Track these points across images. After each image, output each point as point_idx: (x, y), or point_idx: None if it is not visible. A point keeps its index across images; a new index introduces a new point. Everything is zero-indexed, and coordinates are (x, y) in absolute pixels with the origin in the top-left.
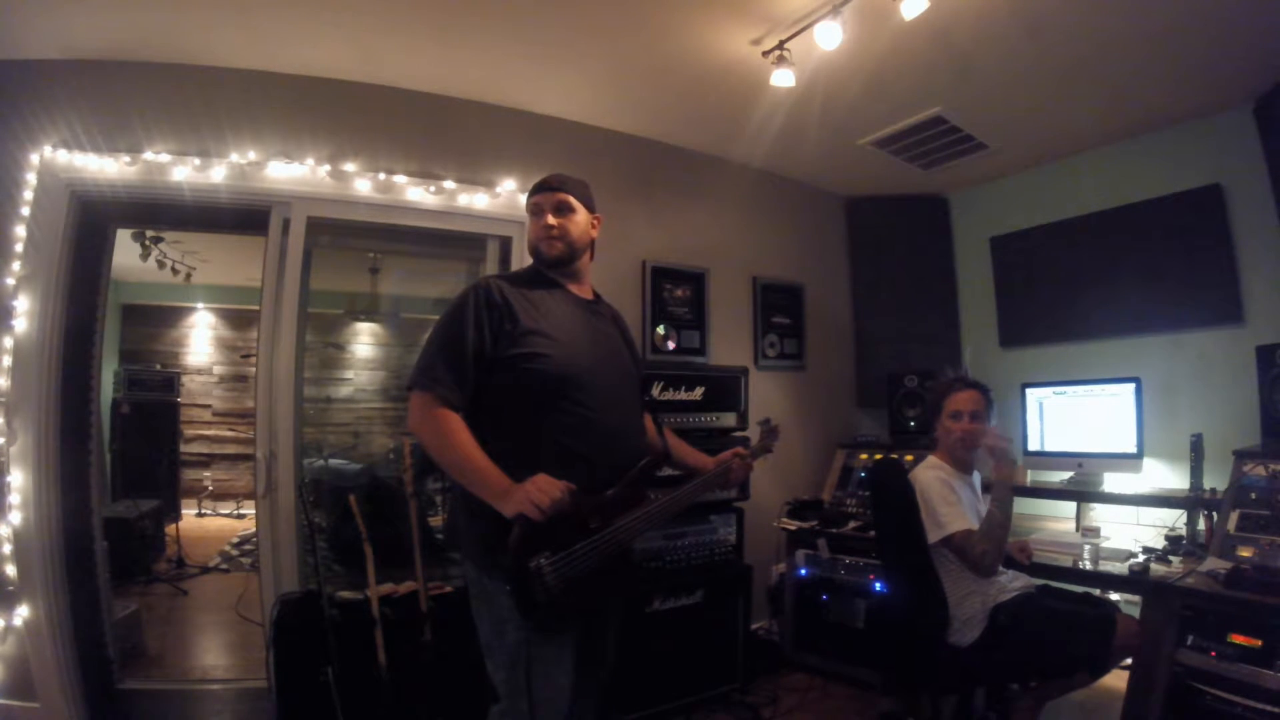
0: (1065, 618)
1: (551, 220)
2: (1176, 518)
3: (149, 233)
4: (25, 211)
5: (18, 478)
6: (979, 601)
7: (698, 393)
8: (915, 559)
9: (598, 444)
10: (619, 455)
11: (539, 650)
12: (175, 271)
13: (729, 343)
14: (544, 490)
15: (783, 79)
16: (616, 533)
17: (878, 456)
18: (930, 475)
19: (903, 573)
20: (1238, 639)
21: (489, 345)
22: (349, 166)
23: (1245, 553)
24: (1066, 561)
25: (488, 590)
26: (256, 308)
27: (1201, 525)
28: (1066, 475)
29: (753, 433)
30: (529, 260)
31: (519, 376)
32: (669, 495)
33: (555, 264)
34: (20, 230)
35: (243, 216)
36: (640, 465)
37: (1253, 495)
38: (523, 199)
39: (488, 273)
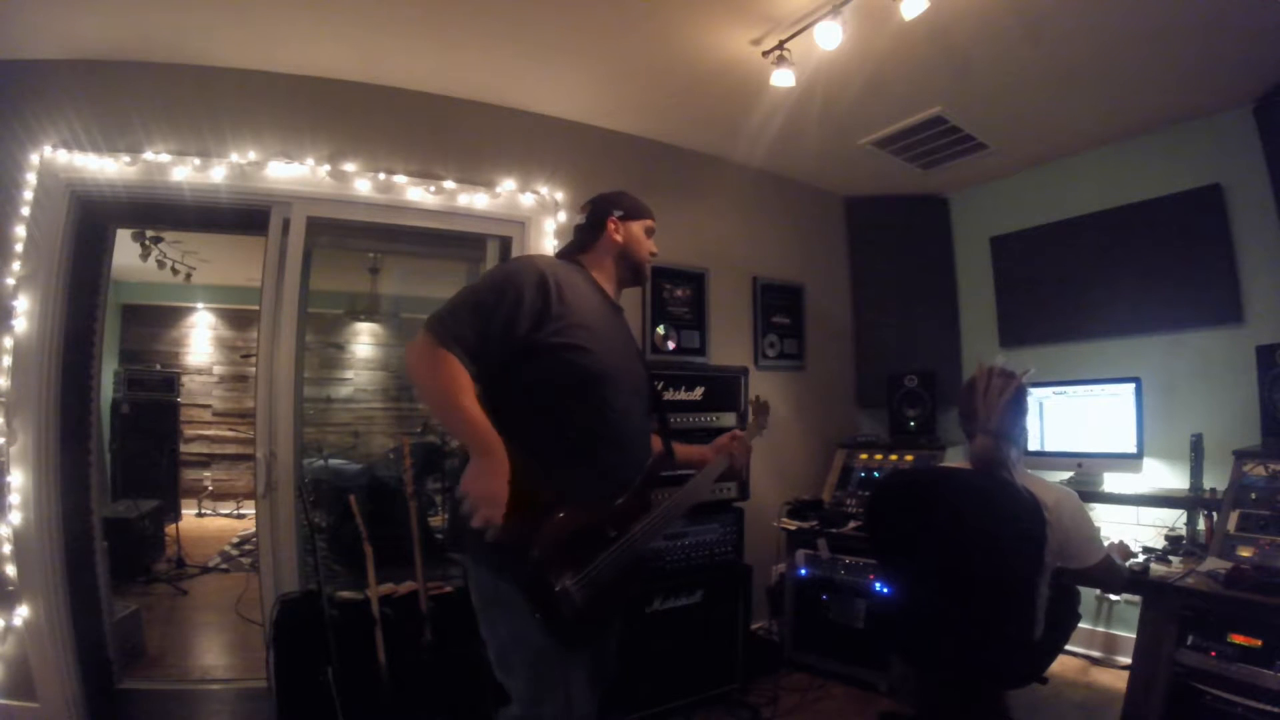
0: (1062, 593)
1: (656, 250)
2: (1176, 518)
3: (149, 233)
4: (25, 211)
5: (18, 478)
6: (1045, 600)
7: (698, 393)
8: (1014, 573)
9: (624, 444)
10: (639, 456)
11: (560, 658)
12: (175, 271)
13: (729, 343)
14: (483, 507)
15: (783, 79)
16: (634, 539)
17: (876, 457)
18: (1076, 497)
19: (986, 586)
20: (1238, 639)
21: (525, 328)
22: (349, 166)
23: (1245, 553)
24: None
25: (503, 596)
26: (256, 308)
27: (1201, 525)
28: (1067, 475)
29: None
30: None
31: (560, 366)
32: (678, 492)
33: (634, 285)
34: (20, 230)
35: (243, 216)
36: (649, 467)
37: (1253, 495)
38: (523, 199)
39: None
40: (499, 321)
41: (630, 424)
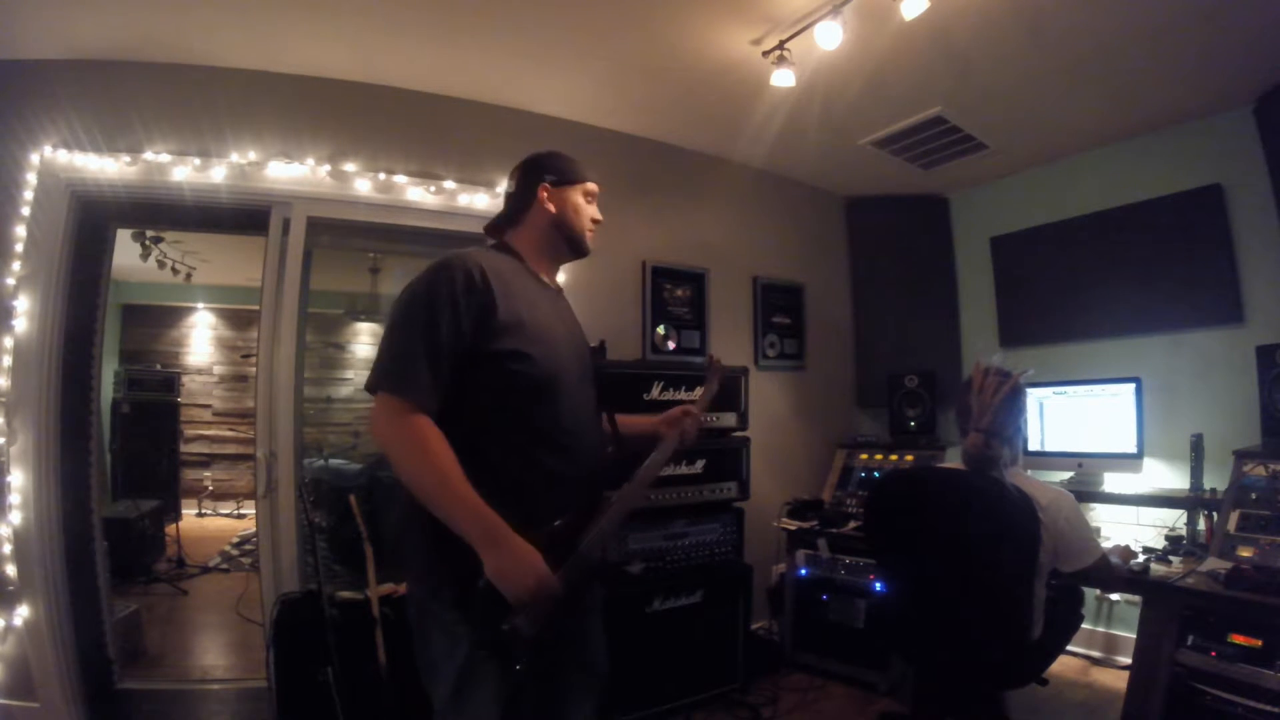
0: (1064, 594)
1: (599, 216)
2: (1176, 518)
3: (149, 233)
4: (25, 211)
5: (18, 478)
6: (1043, 600)
7: (698, 393)
8: (1009, 572)
9: (576, 444)
10: (592, 448)
11: (488, 679)
12: (175, 271)
13: (729, 343)
14: (537, 592)
15: (783, 79)
16: (587, 549)
17: (877, 456)
18: (1071, 499)
19: (982, 586)
20: (1238, 639)
21: (468, 337)
22: (349, 166)
23: (1245, 553)
24: None
25: (438, 616)
26: (256, 308)
27: (1201, 525)
28: (1067, 475)
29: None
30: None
31: (503, 376)
32: (626, 489)
33: (573, 258)
34: (20, 230)
35: (243, 216)
36: (599, 469)
37: (1253, 495)
38: None
39: None
40: (446, 345)
41: (581, 420)
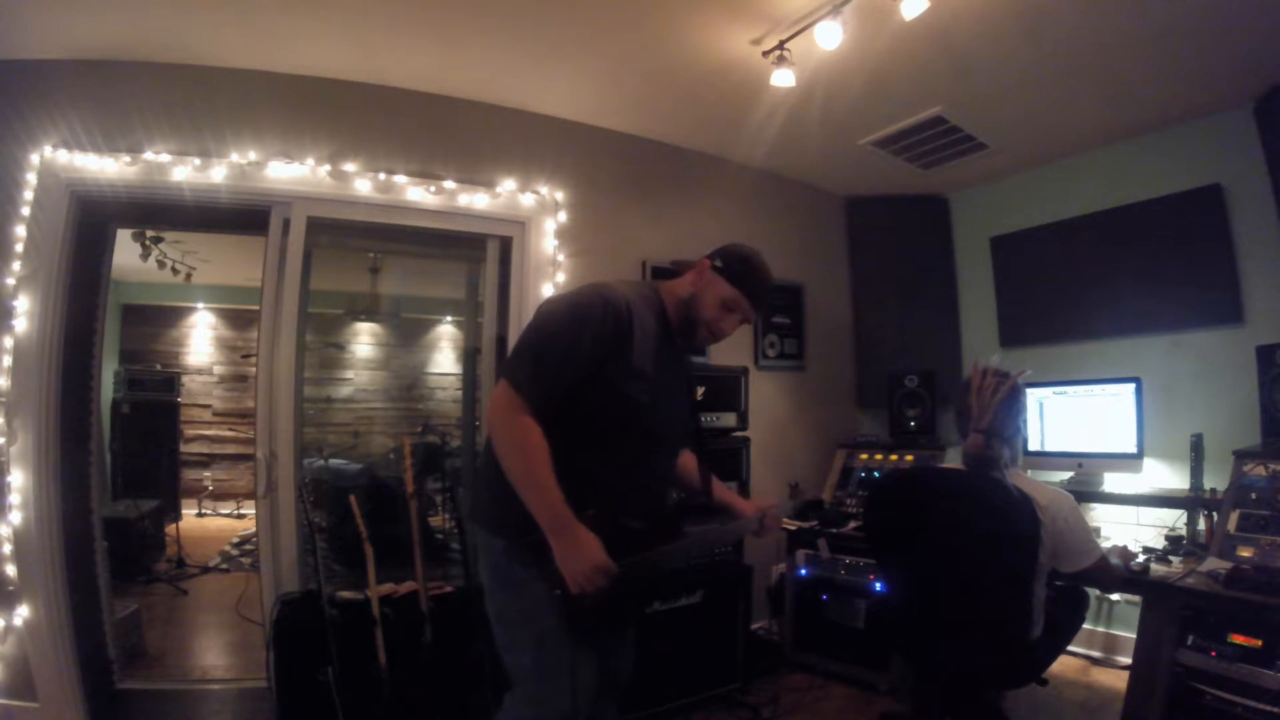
0: (1066, 595)
1: (727, 332)
2: (1176, 518)
3: (149, 233)
4: (25, 211)
5: (18, 478)
6: (1042, 600)
7: (698, 393)
8: (1009, 572)
9: (644, 492)
10: (655, 502)
11: (567, 641)
12: (175, 271)
13: (729, 343)
14: (597, 578)
15: (783, 79)
16: (656, 559)
17: (877, 456)
18: (1070, 499)
19: (981, 586)
20: (1238, 639)
21: (597, 365)
22: (349, 166)
23: (1245, 553)
24: None
25: (517, 575)
26: (256, 308)
27: (1201, 525)
28: (1067, 475)
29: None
30: (528, 260)
31: (612, 407)
32: (707, 532)
33: (688, 341)
34: (20, 230)
35: (243, 216)
36: (685, 501)
37: (1253, 495)
38: (523, 199)
39: (488, 273)
40: (573, 367)
41: (662, 461)
